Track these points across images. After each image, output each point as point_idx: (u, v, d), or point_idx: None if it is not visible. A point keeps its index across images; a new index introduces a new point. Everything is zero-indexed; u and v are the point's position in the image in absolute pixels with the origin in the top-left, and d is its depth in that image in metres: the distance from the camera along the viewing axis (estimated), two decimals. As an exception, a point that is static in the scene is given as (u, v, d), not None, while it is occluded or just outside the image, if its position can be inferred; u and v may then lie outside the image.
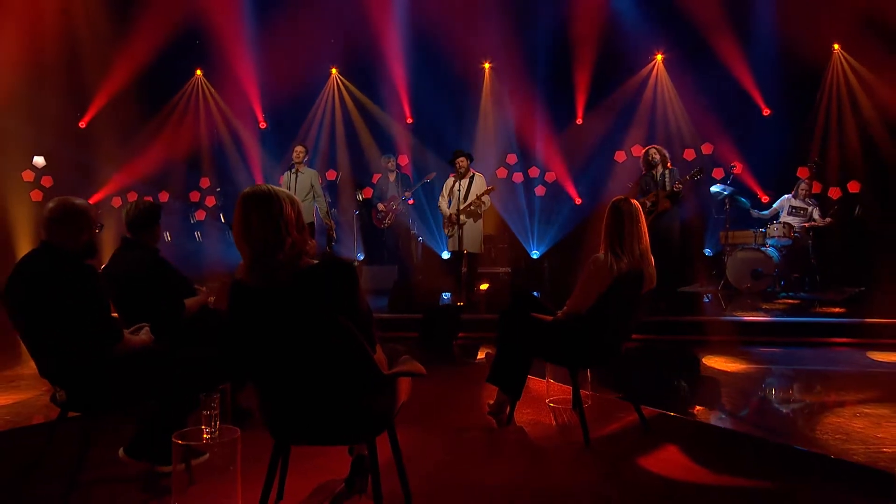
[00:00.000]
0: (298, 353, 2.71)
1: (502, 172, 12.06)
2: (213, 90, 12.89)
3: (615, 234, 4.11)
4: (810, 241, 9.68)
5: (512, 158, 12.17)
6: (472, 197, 9.06)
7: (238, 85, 12.35)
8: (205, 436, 2.91)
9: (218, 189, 12.43)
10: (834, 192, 10.67)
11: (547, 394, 4.93)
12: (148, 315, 3.78)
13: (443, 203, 9.42)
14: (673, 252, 8.46)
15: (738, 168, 10.43)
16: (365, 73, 12.51)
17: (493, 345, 5.66)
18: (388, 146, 12.09)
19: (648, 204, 8.17)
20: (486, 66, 12.43)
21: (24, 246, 10.40)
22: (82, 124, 11.98)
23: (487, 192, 9.10)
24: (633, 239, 4.09)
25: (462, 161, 9.20)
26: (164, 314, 3.94)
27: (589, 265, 4.16)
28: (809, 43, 10.34)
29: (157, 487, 3.36)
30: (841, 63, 11.12)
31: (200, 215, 12.59)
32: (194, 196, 12.62)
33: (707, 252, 11.23)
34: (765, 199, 10.79)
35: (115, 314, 3.76)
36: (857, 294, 9.00)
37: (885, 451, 3.79)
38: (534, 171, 12.16)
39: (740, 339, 7.02)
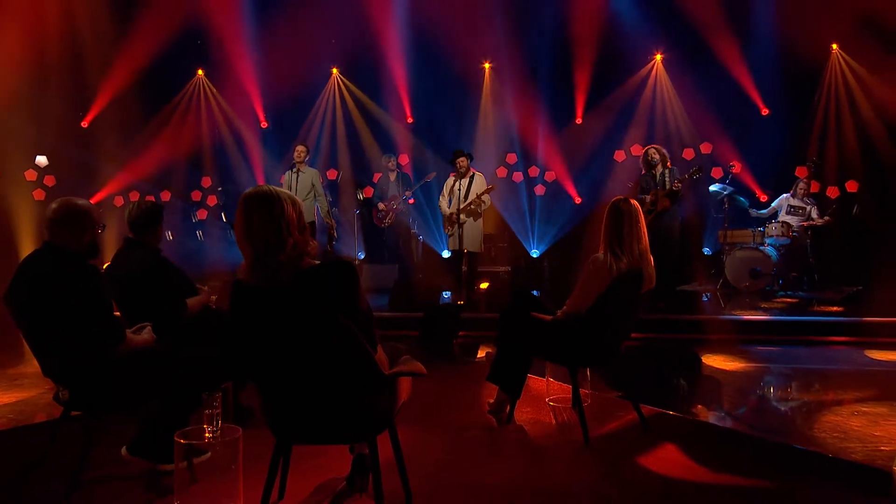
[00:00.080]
0: (300, 352, 2.73)
1: (502, 172, 12.08)
2: (214, 90, 12.91)
3: (615, 235, 4.12)
4: (808, 241, 9.69)
5: (512, 158, 12.19)
6: (472, 196, 9.09)
7: (239, 85, 12.37)
8: (207, 435, 2.93)
9: (219, 188, 12.45)
10: (832, 192, 10.70)
11: (547, 393, 4.94)
12: (150, 315, 3.79)
13: (443, 202, 9.45)
14: (673, 251, 8.47)
15: (736, 167, 10.45)
16: (365, 72, 12.51)
17: (493, 344, 5.68)
18: (388, 146, 12.11)
19: (648, 203, 8.18)
20: (487, 66, 12.44)
21: (26, 245, 10.43)
22: (84, 124, 11.99)
23: (487, 191, 9.13)
24: (632, 239, 4.10)
25: (462, 161, 9.24)
26: (166, 314, 3.95)
27: (588, 265, 4.17)
28: (808, 43, 10.37)
29: (159, 486, 3.36)
30: (839, 63, 11.13)
31: (202, 214, 12.61)
32: (196, 195, 12.65)
33: (706, 251, 11.24)
34: (763, 198, 10.80)
35: (118, 314, 3.78)
36: (855, 293, 9.00)
37: (882, 450, 3.79)
38: (534, 171, 12.17)
39: (739, 338, 7.03)
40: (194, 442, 2.93)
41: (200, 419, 2.94)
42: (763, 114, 11.20)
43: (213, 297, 4.51)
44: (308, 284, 2.72)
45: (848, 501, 3.23)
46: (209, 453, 3.41)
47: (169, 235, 11.36)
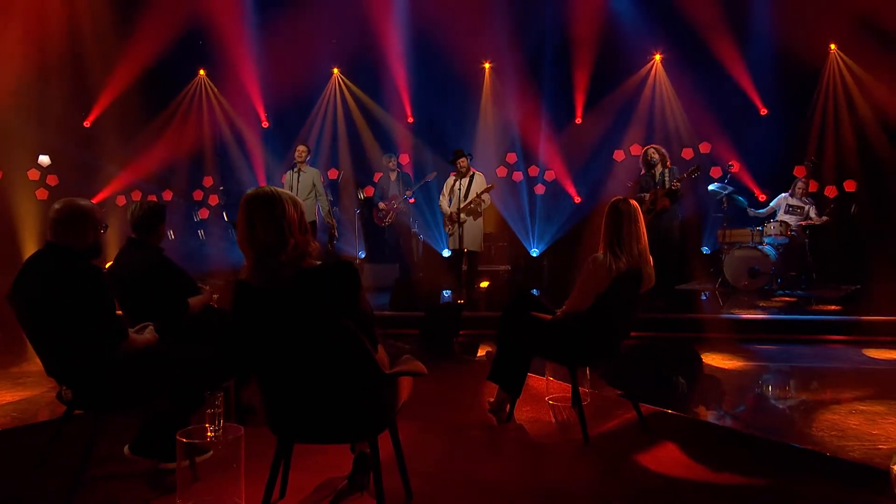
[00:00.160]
0: (301, 352, 2.74)
1: (502, 171, 12.10)
2: (216, 90, 12.93)
3: (614, 235, 4.13)
4: (807, 240, 9.71)
5: (512, 157, 12.20)
6: (472, 195, 9.11)
7: (241, 85, 12.39)
8: (209, 434, 2.95)
9: (221, 188, 12.48)
10: (830, 191, 10.72)
11: (546, 392, 4.96)
12: (152, 314, 3.80)
13: (443, 202, 9.48)
14: (672, 251, 8.49)
15: (735, 167, 10.46)
16: (366, 73, 12.54)
17: (494, 343, 5.70)
18: (389, 145, 12.13)
19: (647, 202, 8.20)
20: (487, 66, 12.47)
21: (29, 244, 10.46)
22: (87, 123, 12.01)
23: (487, 189, 9.15)
24: (631, 239, 4.11)
25: (463, 161, 9.28)
26: (168, 313, 3.97)
27: (588, 265, 4.18)
28: (806, 43, 10.39)
29: (161, 484, 3.37)
30: (837, 63, 11.15)
31: (204, 214, 12.64)
32: (197, 195, 12.67)
33: (705, 250, 11.26)
34: (762, 197, 10.81)
35: (120, 313, 3.79)
36: (853, 292, 9.04)
37: (880, 448, 3.81)
38: (533, 170, 12.19)
39: (737, 337, 7.04)
40: (196, 441, 2.96)
41: (202, 418, 2.97)
42: (762, 113, 11.22)
43: (215, 296, 4.53)
44: (309, 285, 2.74)
45: (846, 500, 3.25)
46: (211, 452, 3.44)
47: (171, 234, 11.38)
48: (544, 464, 3.74)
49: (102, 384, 3.28)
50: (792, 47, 10.38)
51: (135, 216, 4.18)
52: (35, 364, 5.18)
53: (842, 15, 10.20)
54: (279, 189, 2.82)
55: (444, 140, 11.57)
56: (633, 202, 4.22)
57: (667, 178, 8.32)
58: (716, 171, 11.05)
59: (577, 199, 11.91)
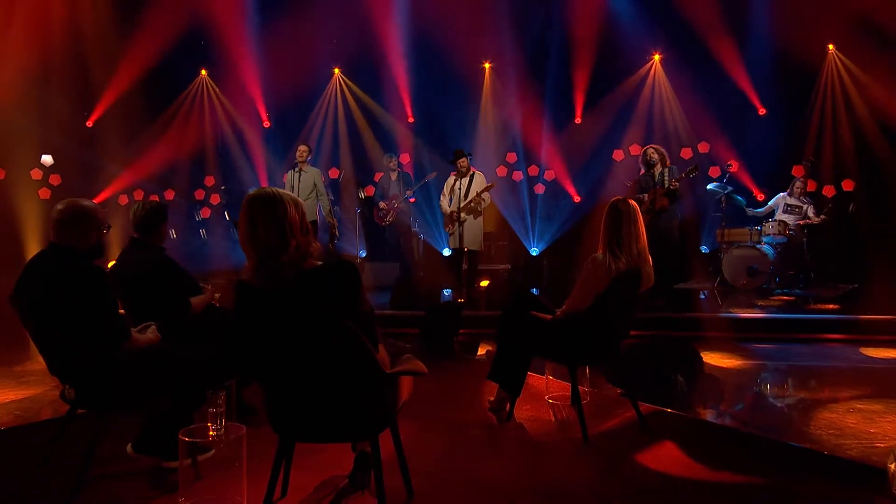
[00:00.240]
0: (303, 352, 2.75)
1: (502, 171, 12.12)
2: (217, 90, 12.97)
3: (613, 235, 4.14)
4: (805, 239, 9.74)
5: (512, 157, 12.23)
6: (472, 194, 9.14)
7: (242, 85, 12.43)
8: (211, 433, 2.96)
9: (222, 187, 12.50)
10: (828, 191, 10.76)
11: (546, 390, 4.97)
12: (155, 314, 3.81)
13: (444, 201, 9.50)
14: (672, 250, 8.51)
15: (734, 166, 10.48)
16: (367, 73, 12.57)
17: (494, 341, 5.71)
18: (389, 145, 12.16)
19: (647, 202, 8.21)
20: (487, 66, 12.50)
21: (32, 243, 10.51)
22: (89, 123, 12.06)
23: (487, 188, 9.18)
24: (631, 239, 4.13)
25: (463, 161, 9.30)
26: (170, 313, 3.98)
27: (588, 265, 4.19)
28: (804, 43, 10.43)
29: (164, 483, 3.38)
30: (835, 63, 11.18)
31: (205, 213, 12.68)
32: (199, 194, 12.71)
33: (703, 249, 11.29)
34: (760, 197, 10.84)
35: (122, 312, 3.81)
36: (850, 291, 9.06)
37: (877, 447, 3.82)
38: (533, 170, 12.22)
39: (736, 336, 7.06)
40: (199, 440, 2.96)
41: (205, 417, 2.97)
42: (760, 113, 11.26)
43: (217, 296, 4.54)
44: (311, 285, 2.75)
45: (844, 498, 3.26)
46: (213, 451, 3.45)
47: (172, 234, 11.40)
48: (544, 462, 3.75)
49: (105, 383, 3.29)
50: (790, 47, 10.41)
51: (137, 216, 4.18)
52: (38, 363, 5.19)
53: (840, 15, 10.23)
54: (281, 190, 2.83)
55: (445, 140, 11.61)
56: (633, 202, 4.23)
57: (666, 178, 8.33)
58: (715, 171, 11.08)
59: (577, 199, 11.94)
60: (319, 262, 2.87)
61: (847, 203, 10.48)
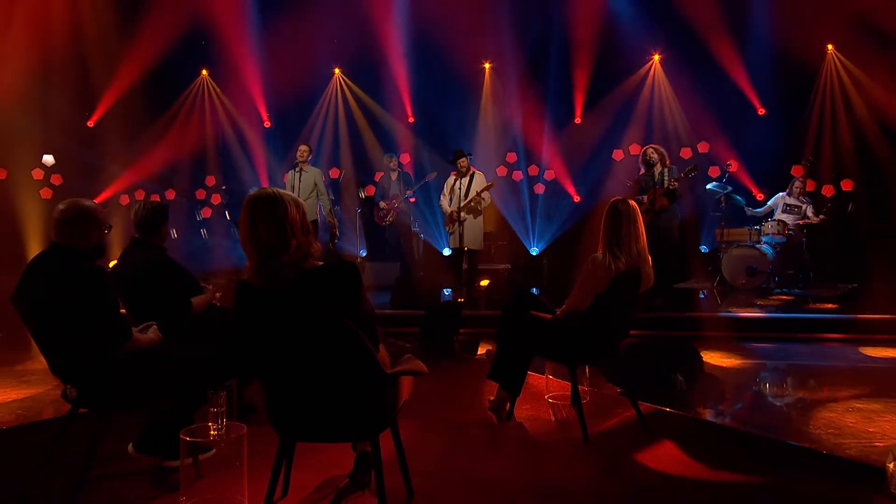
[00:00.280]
0: (304, 352, 2.76)
1: (502, 171, 12.14)
2: (218, 90, 12.99)
3: (613, 235, 4.15)
4: (804, 239, 9.76)
5: (512, 157, 12.24)
6: (472, 194, 9.15)
7: (243, 85, 12.45)
8: (212, 432, 2.97)
9: (223, 187, 12.51)
10: (827, 190, 10.78)
11: (546, 390, 4.98)
12: (156, 314, 3.82)
13: (444, 201, 9.52)
14: (672, 250, 8.52)
15: (733, 166, 10.49)
16: (367, 73, 12.59)
17: (494, 341, 5.72)
18: (390, 145, 12.18)
19: (646, 202, 8.22)
20: (487, 66, 12.52)
21: (33, 242, 10.55)
22: (90, 123, 12.08)
23: (487, 188, 9.19)
24: (630, 239, 4.14)
25: (463, 161, 9.31)
26: (171, 313, 3.99)
27: (587, 265, 4.19)
28: (804, 43, 10.45)
29: (165, 482, 3.39)
30: (834, 63, 11.20)
31: (206, 213, 12.70)
32: (200, 194, 12.74)
33: (703, 249, 11.31)
34: (760, 196, 10.85)
35: (123, 311, 3.81)
36: (849, 290, 9.07)
37: (876, 446, 3.83)
38: (533, 170, 12.23)
39: (735, 335, 7.08)
40: (200, 439, 2.97)
41: (206, 417, 2.98)
42: (759, 113, 11.28)
43: (218, 295, 4.55)
44: (311, 285, 2.76)
45: (843, 497, 3.27)
46: (214, 450, 3.45)
47: (174, 233, 11.42)
48: (544, 462, 3.76)
49: (107, 383, 3.30)
50: (790, 48, 10.44)
51: (138, 216, 4.19)
52: (40, 362, 5.19)
53: (839, 16, 10.24)
54: (281, 190, 2.83)
55: (445, 140, 11.63)
56: (632, 202, 4.24)
57: (666, 178, 8.34)
58: (714, 171, 11.09)
59: (577, 199, 11.96)
60: (320, 263, 2.87)
61: (846, 203, 10.50)
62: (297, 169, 9.61)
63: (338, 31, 12.18)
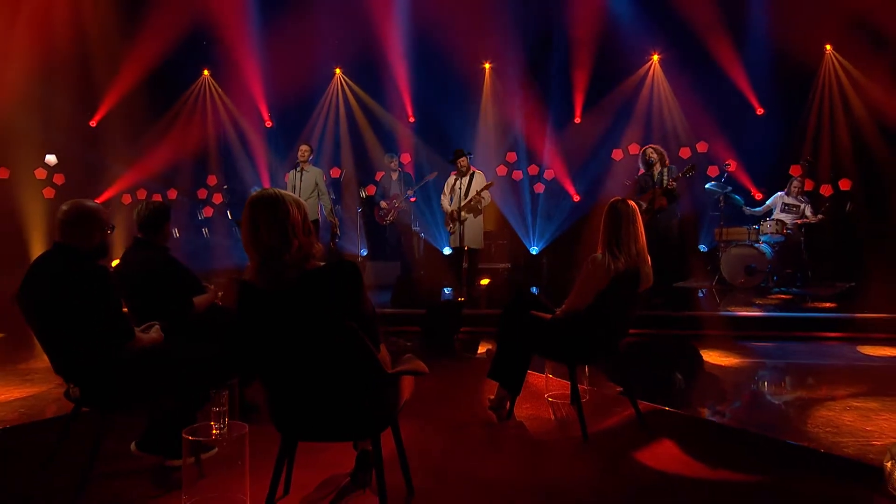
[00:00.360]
0: (305, 352, 2.77)
1: (502, 170, 12.16)
2: (219, 90, 13.01)
3: (613, 235, 4.16)
4: (802, 238, 9.78)
5: (512, 156, 12.26)
6: (472, 193, 9.17)
7: (244, 85, 12.47)
8: (214, 431, 2.99)
9: (225, 186, 12.55)
10: (826, 190, 10.80)
11: (546, 389, 4.99)
12: (158, 313, 3.84)
13: (444, 200, 9.53)
14: (671, 249, 8.53)
15: (732, 166, 10.51)
16: (368, 73, 12.61)
17: (494, 340, 5.73)
18: (390, 145, 12.19)
19: (645, 204, 8.23)
20: (487, 66, 12.53)
21: (36, 242, 10.58)
22: (93, 123, 12.09)
23: (487, 187, 9.21)
24: (630, 239, 4.15)
25: (463, 161, 9.33)
26: (174, 312, 4.01)
27: (587, 265, 4.20)
28: (802, 44, 10.48)
29: (167, 481, 3.40)
30: (833, 64, 11.23)
31: (208, 212, 12.72)
32: (202, 193, 12.77)
33: (702, 248, 11.33)
34: (758, 196, 10.86)
35: (126, 310, 3.83)
36: (847, 289, 9.10)
37: (874, 444, 3.84)
38: (533, 169, 12.25)
39: (734, 334, 7.09)
40: (202, 438, 2.99)
41: (208, 416, 3.00)
42: (758, 113, 11.30)
43: (220, 294, 4.57)
44: (313, 286, 2.77)
45: (840, 495, 3.28)
46: (216, 449, 3.47)
47: (175, 233, 11.44)
48: (544, 461, 3.77)
49: (109, 382, 3.31)
50: (788, 48, 10.46)
51: (141, 216, 4.21)
52: (43, 361, 5.22)
53: (837, 16, 10.27)
54: (283, 191, 2.84)
55: (445, 140, 11.64)
56: (632, 203, 4.25)
57: (665, 178, 8.35)
58: (713, 171, 11.10)
59: (577, 198, 11.97)
60: (321, 263, 2.88)
61: (844, 202, 10.53)
62: (299, 168, 9.63)
63: (339, 31, 12.21)
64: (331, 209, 9.76)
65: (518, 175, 12.20)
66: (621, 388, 5.07)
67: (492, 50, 12.25)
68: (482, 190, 9.16)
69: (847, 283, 9.38)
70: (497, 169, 12.04)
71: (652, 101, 11.91)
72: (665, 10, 10.96)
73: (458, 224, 9.17)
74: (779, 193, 10.23)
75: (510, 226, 12.07)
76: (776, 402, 5.13)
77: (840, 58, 11.15)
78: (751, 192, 11.00)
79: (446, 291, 9.67)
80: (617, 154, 11.80)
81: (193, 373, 3.49)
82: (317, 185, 9.62)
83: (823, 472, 3.56)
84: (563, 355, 4.28)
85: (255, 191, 2.93)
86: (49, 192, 11.53)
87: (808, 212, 9.98)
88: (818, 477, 3.49)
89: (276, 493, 2.97)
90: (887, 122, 10.31)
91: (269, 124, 12.87)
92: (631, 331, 5.51)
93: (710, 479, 3.47)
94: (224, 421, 3.01)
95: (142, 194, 12.10)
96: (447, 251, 11.23)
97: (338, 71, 12.96)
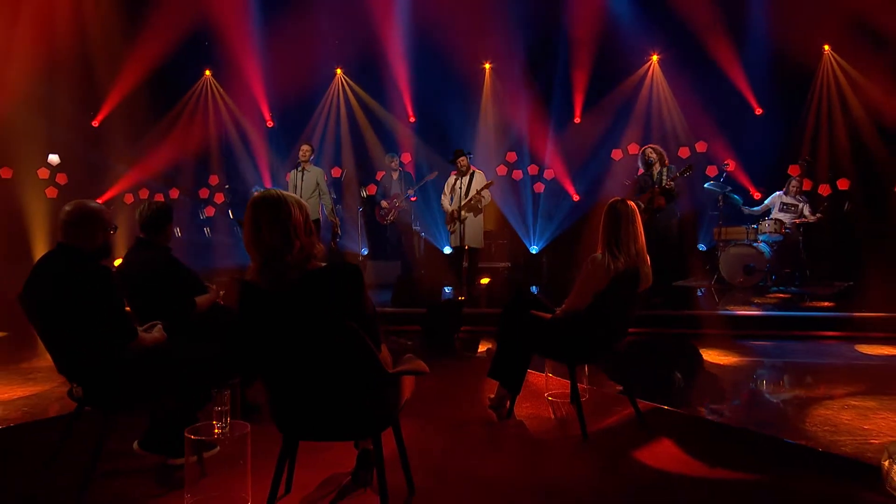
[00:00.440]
0: (307, 352, 2.78)
1: (502, 170, 12.18)
2: (221, 90, 13.03)
3: (612, 235, 4.18)
4: (801, 237, 9.80)
5: (512, 156, 12.28)
6: (472, 193, 9.19)
7: (246, 85, 12.49)
8: (216, 430, 3.00)
9: (226, 186, 12.56)
10: (824, 189, 10.82)
11: (546, 388, 5.01)
12: (161, 313, 3.85)
13: (445, 200, 9.54)
14: (670, 248, 8.55)
15: (731, 166, 10.52)
16: (369, 73, 12.63)
17: (494, 339, 5.75)
18: (391, 145, 12.21)
19: (643, 205, 8.24)
20: (487, 66, 12.55)
21: (39, 241, 10.61)
22: (95, 123, 12.12)
23: (486, 186, 9.21)
24: (629, 239, 4.16)
25: (463, 160, 9.34)
26: (176, 312, 4.02)
27: (587, 265, 4.21)
28: (801, 44, 10.50)
29: (170, 480, 3.41)
30: (831, 64, 11.24)
31: (210, 212, 12.74)
32: (203, 193, 12.80)
33: (701, 247, 11.34)
34: (757, 195, 10.89)
35: (128, 309, 3.84)
36: (845, 288, 9.12)
37: (872, 443, 3.86)
38: (533, 169, 12.27)
39: (732, 333, 7.11)
40: (204, 437, 3.01)
41: (210, 415, 3.02)
42: (757, 113, 11.32)
43: (222, 293, 4.58)
44: (314, 286, 2.78)
45: (838, 494, 3.29)
46: (218, 448, 3.48)
47: (177, 232, 11.45)
48: (544, 460, 3.78)
49: (112, 382, 3.32)
50: (787, 48, 10.48)
51: (143, 216, 4.21)
52: (46, 360, 5.21)
53: (835, 17, 10.28)
54: (285, 192, 2.85)
55: (446, 139, 11.67)
56: (631, 203, 4.26)
57: (664, 177, 8.37)
58: (712, 170, 11.11)
59: (576, 198, 11.99)
60: (323, 264, 2.89)
61: (842, 202, 10.55)
62: (300, 168, 9.63)
63: (339, 31, 12.23)
64: (332, 209, 9.77)
65: (518, 175, 12.21)
66: (621, 388, 5.08)
67: (492, 50, 12.27)
68: (482, 189, 9.17)
69: (845, 283, 9.40)
70: (497, 168, 12.06)
71: (651, 101, 11.93)
72: (664, 11, 10.97)
73: (458, 223, 9.19)
74: (777, 193, 10.25)
75: (510, 225, 12.09)
76: (775, 401, 5.13)
77: (839, 58, 11.17)
78: (749, 191, 11.02)
79: (447, 291, 9.69)
80: (616, 154, 11.82)
81: (195, 372, 3.50)
82: (318, 184, 9.63)
83: (821, 470, 3.57)
84: (562, 355, 4.29)
85: (256, 191, 2.95)
86: (52, 192, 11.57)
87: (806, 211, 10.00)
88: (816, 475, 3.50)
89: (278, 492, 2.97)
90: (885, 122, 10.33)
91: (270, 124, 12.89)
92: (631, 330, 5.54)
93: (710, 477, 3.48)
94: (226, 420, 3.02)
95: (144, 194, 12.13)
96: (447, 250, 11.24)
97: (339, 71, 12.98)
